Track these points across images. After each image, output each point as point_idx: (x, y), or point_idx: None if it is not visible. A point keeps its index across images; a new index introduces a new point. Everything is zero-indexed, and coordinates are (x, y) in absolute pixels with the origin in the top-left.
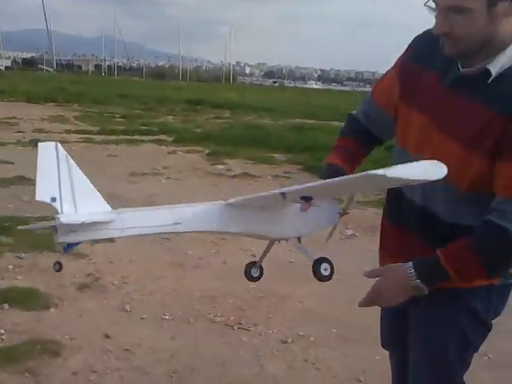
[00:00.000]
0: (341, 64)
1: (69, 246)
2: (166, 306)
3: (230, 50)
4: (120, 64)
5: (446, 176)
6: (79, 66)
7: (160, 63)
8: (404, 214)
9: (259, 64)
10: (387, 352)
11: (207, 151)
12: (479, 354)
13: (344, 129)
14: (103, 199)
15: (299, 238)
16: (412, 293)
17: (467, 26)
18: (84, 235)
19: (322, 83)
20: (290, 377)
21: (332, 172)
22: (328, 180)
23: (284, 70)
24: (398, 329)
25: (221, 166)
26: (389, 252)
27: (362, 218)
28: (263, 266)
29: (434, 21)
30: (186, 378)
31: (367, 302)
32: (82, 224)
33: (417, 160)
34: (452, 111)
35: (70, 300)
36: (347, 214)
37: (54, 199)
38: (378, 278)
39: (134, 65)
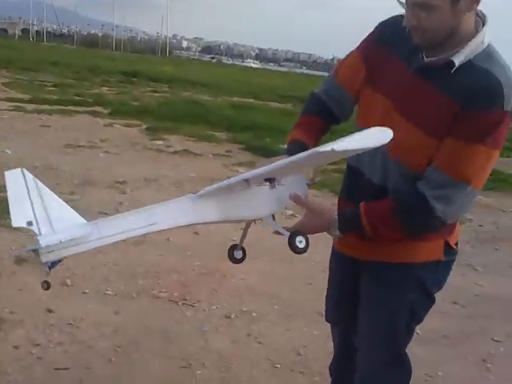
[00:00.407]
0: (278, 44)
1: (53, 264)
2: (108, 281)
3: (167, 21)
4: (49, 30)
5: (400, 157)
6: (4, 30)
7: (92, 31)
8: (362, 192)
9: (196, 38)
10: (325, 327)
11: (145, 126)
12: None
13: (306, 107)
14: (76, 212)
15: (273, 215)
16: (328, 232)
17: (433, 20)
18: (65, 251)
19: (260, 62)
20: (233, 350)
21: (297, 148)
22: (280, 161)
23: (222, 47)
24: (343, 303)
25: (160, 142)
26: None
27: None
28: (245, 247)
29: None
30: (131, 351)
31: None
32: (61, 242)
33: (382, 152)
34: (415, 98)
35: (8, 273)
36: (315, 183)
37: (30, 223)
38: (305, 213)
39: (65, 31)
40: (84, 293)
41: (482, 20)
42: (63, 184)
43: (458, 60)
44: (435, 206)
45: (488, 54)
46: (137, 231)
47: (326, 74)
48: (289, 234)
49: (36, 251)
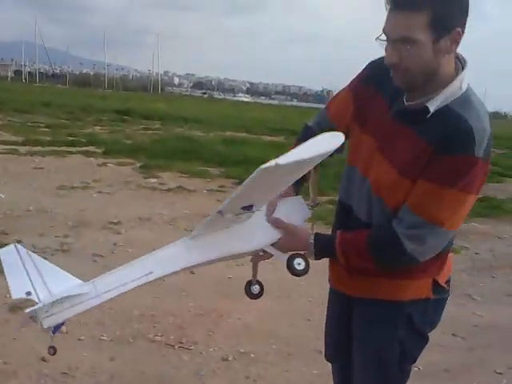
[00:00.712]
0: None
1: (55, 328)
2: (103, 326)
3: (158, 58)
4: (42, 70)
5: (380, 194)
6: None
7: (84, 70)
8: (351, 229)
9: (188, 74)
10: (324, 366)
11: (139, 164)
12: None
13: (299, 136)
14: (71, 276)
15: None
16: (304, 252)
17: (414, 57)
18: (65, 313)
19: (251, 96)
20: None
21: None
22: (240, 186)
23: (213, 82)
24: (341, 340)
25: (154, 180)
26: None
27: None
28: (261, 282)
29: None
30: None
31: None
32: (56, 303)
33: (364, 182)
34: (394, 139)
35: (2, 322)
36: (318, 204)
37: (29, 293)
38: (282, 233)
39: (57, 71)
40: (79, 339)
41: (461, 64)
42: (57, 227)
43: (432, 106)
44: (407, 244)
45: (465, 98)
46: (134, 283)
47: (316, 105)
48: (286, 257)
49: (34, 318)
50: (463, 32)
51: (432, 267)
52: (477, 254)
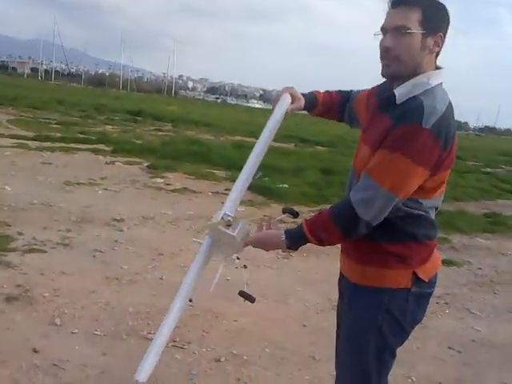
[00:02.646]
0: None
1: None
2: (98, 321)
3: (174, 62)
4: (58, 69)
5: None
6: (14, 68)
7: (100, 71)
8: None
9: (202, 79)
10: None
11: (146, 164)
12: (404, 377)
13: (342, 91)
14: None
15: None
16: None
17: (406, 44)
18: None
19: (264, 102)
20: None
21: (310, 95)
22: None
23: (227, 87)
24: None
25: (160, 180)
26: (343, 252)
27: None
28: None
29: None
30: None
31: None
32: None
33: (352, 175)
34: (373, 126)
35: None
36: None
37: None
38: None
39: (73, 71)
40: (73, 333)
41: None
42: (60, 221)
43: (398, 91)
44: (357, 209)
45: (430, 90)
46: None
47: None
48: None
49: None
50: (444, 38)
51: (412, 259)
52: (479, 268)
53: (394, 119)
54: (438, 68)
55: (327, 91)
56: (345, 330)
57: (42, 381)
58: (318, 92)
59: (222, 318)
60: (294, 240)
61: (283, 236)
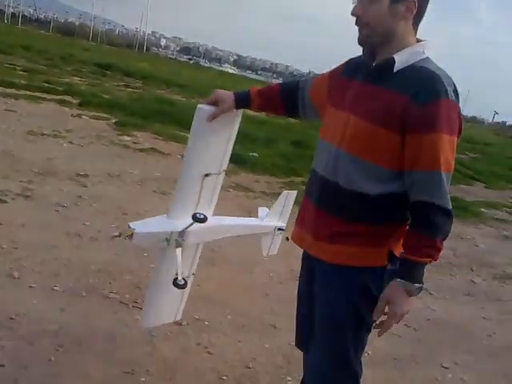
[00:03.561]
0: (257, 53)
1: None
2: (58, 277)
3: (147, 17)
4: (26, 13)
5: (361, 156)
6: None
7: (70, 19)
8: (329, 196)
9: (175, 38)
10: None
11: (114, 120)
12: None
13: (286, 82)
14: None
15: None
16: (415, 295)
17: (373, 11)
18: None
19: (237, 68)
20: (181, 359)
21: (242, 93)
22: None
23: (201, 49)
24: (308, 324)
25: (128, 138)
26: (299, 223)
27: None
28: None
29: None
30: (73, 351)
31: (387, 328)
32: None
33: (339, 152)
34: (365, 99)
35: None
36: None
37: None
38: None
39: (42, 17)
40: (30, 287)
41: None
42: (22, 171)
43: (398, 57)
44: (450, 208)
45: (427, 60)
46: None
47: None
48: None
49: None
50: (419, 7)
51: (390, 238)
52: None
53: (407, 95)
54: (419, 40)
55: (265, 87)
56: (321, 310)
57: None
58: (253, 87)
59: None
60: (415, 274)
61: (401, 283)
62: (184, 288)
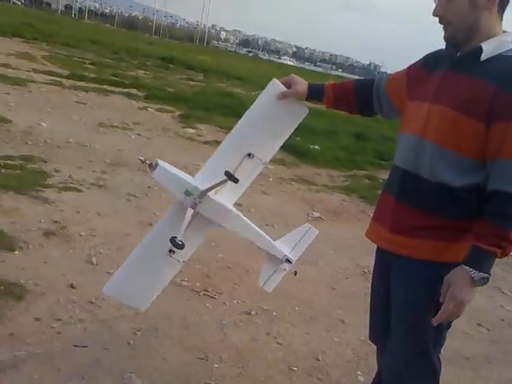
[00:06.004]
0: (316, 44)
1: None
2: None
3: (208, 11)
4: (92, 8)
5: (447, 146)
6: (48, 4)
7: (134, 13)
8: (411, 189)
9: (235, 31)
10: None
11: (179, 113)
12: None
13: (362, 79)
14: None
15: None
16: (479, 285)
17: (453, 9)
18: None
19: (296, 60)
20: (251, 348)
21: (316, 86)
22: None
23: (260, 41)
24: (384, 318)
25: (192, 130)
26: (376, 218)
27: (328, 201)
28: None
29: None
30: (150, 336)
31: (444, 316)
32: None
33: (420, 142)
34: (448, 87)
35: (36, 245)
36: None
37: None
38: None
39: (107, 11)
40: (108, 273)
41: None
42: (95, 162)
43: (485, 46)
44: None
45: None
46: None
47: (361, 77)
48: None
49: None
50: None
51: (469, 234)
52: None
53: (496, 84)
54: (505, 31)
55: (342, 83)
56: (400, 303)
57: (79, 316)
58: (328, 82)
59: (252, 272)
60: (483, 262)
61: (468, 269)
62: (180, 249)
